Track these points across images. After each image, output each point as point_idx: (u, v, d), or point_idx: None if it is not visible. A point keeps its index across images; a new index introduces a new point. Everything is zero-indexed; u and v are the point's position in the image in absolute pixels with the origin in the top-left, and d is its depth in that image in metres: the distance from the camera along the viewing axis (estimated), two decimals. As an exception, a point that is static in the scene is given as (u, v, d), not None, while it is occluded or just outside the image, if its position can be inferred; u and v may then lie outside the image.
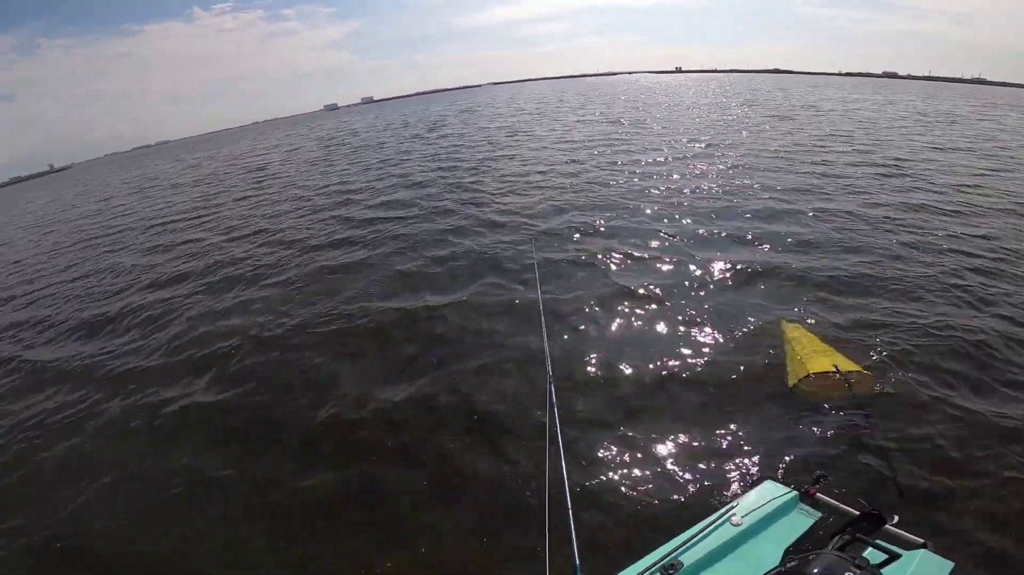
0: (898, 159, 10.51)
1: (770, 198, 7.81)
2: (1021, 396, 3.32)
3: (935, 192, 7.95)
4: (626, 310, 4.65)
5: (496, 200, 8.50)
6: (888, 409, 3.23)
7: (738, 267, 5.32)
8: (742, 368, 3.72)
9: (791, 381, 3.46)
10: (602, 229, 6.70)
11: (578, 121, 20.96)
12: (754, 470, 2.85)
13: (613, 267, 5.56)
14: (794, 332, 3.94)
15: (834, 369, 3.31)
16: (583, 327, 4.41)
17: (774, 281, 5.01)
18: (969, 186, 8.24)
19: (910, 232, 6.16)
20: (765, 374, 3.64)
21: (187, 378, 4.50)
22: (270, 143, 37.23)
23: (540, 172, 10.45)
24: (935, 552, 1.61)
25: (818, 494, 1.87)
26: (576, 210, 7.61)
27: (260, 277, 6.71)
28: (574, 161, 11.33)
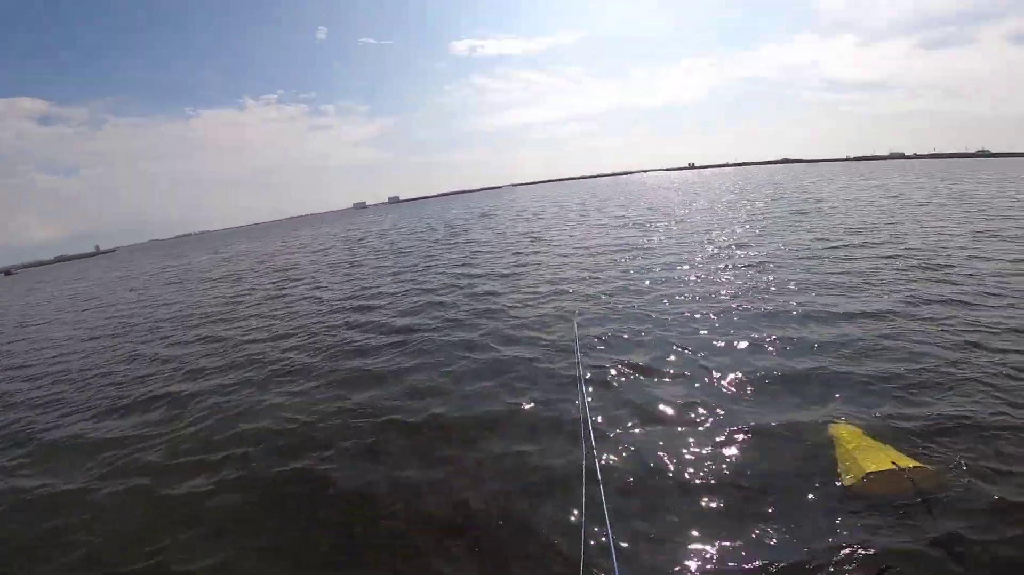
0: (929, 250, 10.64)
1: (801, 299, 7.79)
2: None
3: (975, 283, 7.91)
4: (664, 421, 4.59)
5: (518, 314, 8.49)
6: (957, 506, 3.13)
7: (774, 372, 5.26)
8: (792, 473, 3.65)
9: (847, 482, 3.38)
10: (632, 341, 6.65)
11: (597, 225, 21.80)
12: (819, 570, 2.79)
13: (644, 379, 5.48)
14: (844, 433, 3.88)
15: (893, 466, 3.26)
16: (625, 441, 4.30)
17: (815, 385, 4.95)
18: (1010, 274, 8.25)
19: (953, 327, 6.09)
20: (817, 477, 3.55)
21: (193, 477, 4.64)
22: (300, 241, 39.38)
23: (564, 282, 10.60)
24: None
25: None
26: (603, 322, 7.55)
27: (273, 382, 6.85)
28: (596, 270, 11.46)
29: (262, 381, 6.94)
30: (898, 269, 9.21)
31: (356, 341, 8.18)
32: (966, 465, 3.48)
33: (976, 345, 5.47)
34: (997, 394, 4.43)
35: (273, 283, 16.61)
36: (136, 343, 10.64)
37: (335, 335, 8.72)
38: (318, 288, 14.10)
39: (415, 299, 10.67)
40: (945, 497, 3.20)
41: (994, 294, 7.19)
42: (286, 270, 20.19)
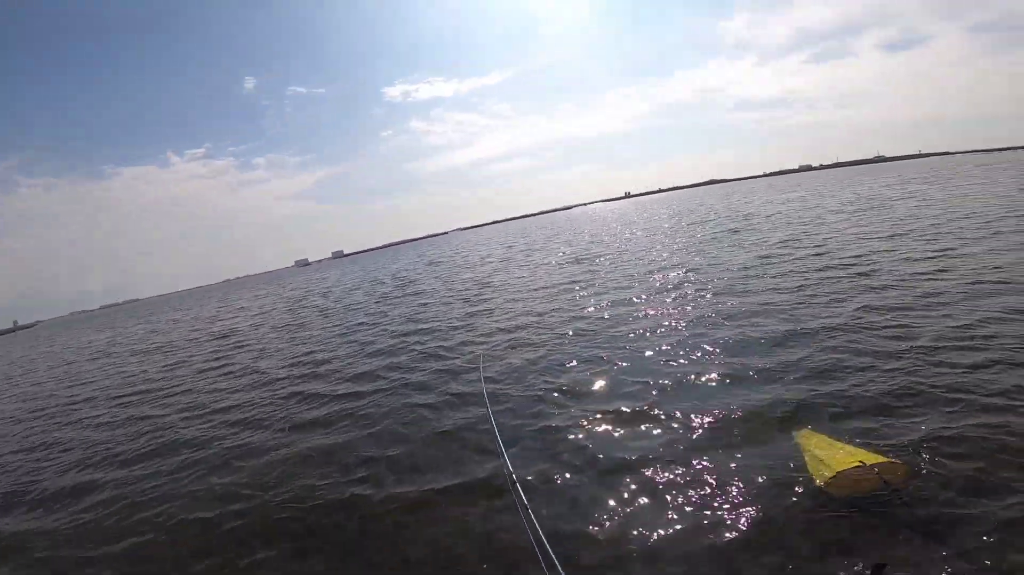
0: (854, 255, 11.79)
1: (749, 317, 8.15)
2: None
3: (904, 284, 8.72)
4: (635, 456, 4.58)
5: (471, 366, 8.31)
6: (924, 490, 3.39)
7: (734, 391, 5.53)
8: (767, 484, 3.78)
9: (819, 483, 3.56)
10: (587, 382, 6.61)
11: (543, 264, 22.21)
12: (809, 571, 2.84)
13: (606, 419, 5.38)
14: (809, 439, 4.08)
15: (860, 463, 3.45)
16: (578, 493, 4.16)
17: (774, 398, 5.18)
18: (931, 272, 9.18)
19: (891, 329, 6.65)
20: (791, 485, 3.71)
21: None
22: (238, 305, 37.54)
23: (516, 327, 10.53)
24: None
25: None
26: (554, 370, 7.44)
27: (207, 464, 6.31)
28: (547, 312, 11.48)
29: (190, 464, 6.39)
30: (830, 277, 9.99)
31: (301, 413, 7.70)
32: (925, 455, 3.75)
33: (913, 344, 5.92)
34: (941, 389, 4.79)
35: (211, 352, 15.59)
36: (52, 428, 9.65)
37: (279, 408, 8.18)
38: (261, 356, 13.35)
39: (366, 361, 10.24)
40: (912, 487, 3.43)
41: (927, 294, 7.85)
42: (224, 337, 19.07)
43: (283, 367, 11.16)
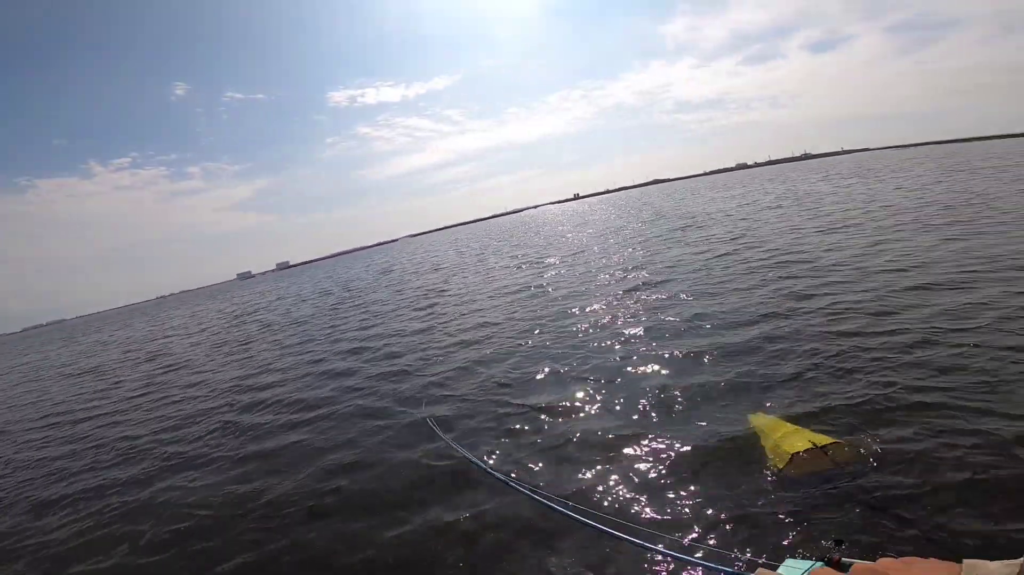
0: (790, 248, 12.59)
1: (698, 311, 8.48)
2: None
3: (839, 272, 9.31)
4: (596, 449, 4.73)
5: (428, 379, 7.98)
6: (870, 467, 3.59)
7: (688, 382, 5.68)
8: (721, 463, 4.01)
9: (776, 466, 3.73)
10: (544, 380, 6.68)
11: (498, 267, 22.26)
12: (770, 554, 2.85)
13: (565, 416, 5.49)
14: (762, 422, 4.29)
15: (811, 445, 3.65)
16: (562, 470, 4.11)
17: (727, 387, 5.37)
18: (863, 258, 9.98)
19: (828, 314, 7.11)
20: (748, 466, 3.89)
21: None
22: (177, 321, 35.34)
23: (470, 335, 10.31)
24: None
25: (843, 559, 1.88)
26: (515, 367, 7.43)
27: (154, 476, 6.08)
28: (501, 317, 11.39)
29: (138, 479, 5.99)
30: (769, 267, 10.61)
31: (250, 430, 7.25)
32: (870, 435, 3.95)
33: (850, 331, 6.26)
34: (880, 371, 5.06)
35: (145, 375, 14.49)
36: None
37: (222, 426, 7.68)
38: (200, 373, 12.52)
39: (317, 374, 9.78)
40: (860, 466, 3.61)
41: (858, 282, 8.37)
42: (158, 356, 17.82)
43: (229, 384, 10.50)
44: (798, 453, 3.62)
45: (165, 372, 14.22)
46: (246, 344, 16.20)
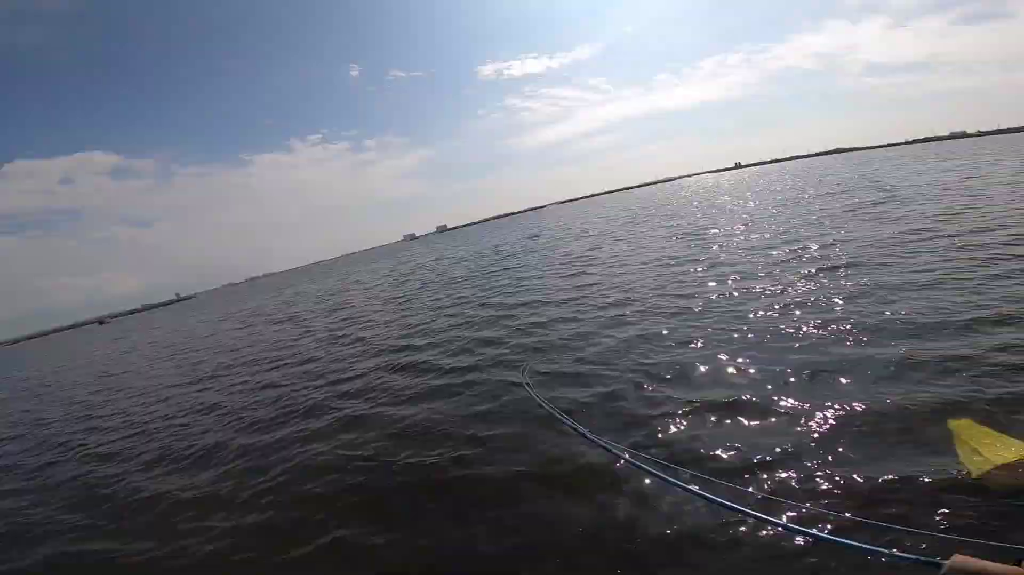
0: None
1: (890, 300, 7.01)
2: None
3: None
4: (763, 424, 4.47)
5: (575, 345, 7.95)
6: None
7: (876, 379, 4.93)
8: (914, 468, 3.52)
9: (973, 475, 3.29)
10: (699, 369, 5.98)
11: (651, 237, 21.04)
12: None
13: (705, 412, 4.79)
14: (963, 428, 3.84)
15: (1020, 457, 3.24)
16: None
17: (928, 388, 4.56)
18: None
19: None
20: (944, 476, 3.38)
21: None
22: (355, 278, 40.57)
23: (622, 304, 9.92)
24: None
25: None
26: (652, 348, 6.92)
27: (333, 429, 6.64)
28: (656, 286, 10.78)
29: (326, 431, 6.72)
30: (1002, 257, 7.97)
31: (406, 386, 7.87)
32: None
33: None
34: None
35: (330, 325, 16.87)
36: (207, 392, 10.91)
37: (388, 381, 8.46)
38: (368, 327, 14.10)
39: (469, 335, 10.29)
40: None
41: None
42: (340, 309, 20.61)
43: (392, 340, 11.64)
44: (1002, 464, 3.21)
45: (344, 324, 16.36)
46: (407, 302, 17.86)
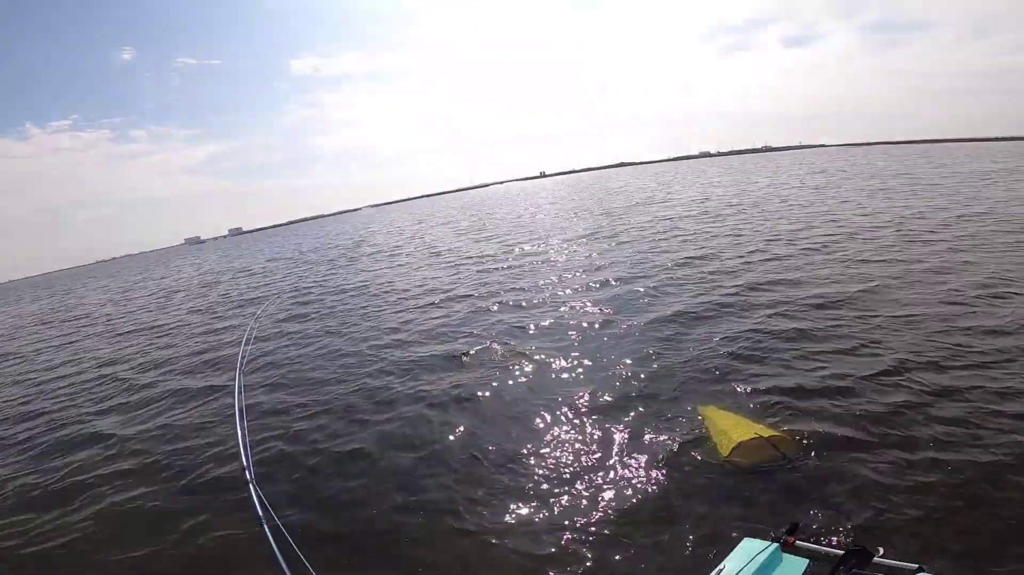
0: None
1: (641, 298, 8.36)
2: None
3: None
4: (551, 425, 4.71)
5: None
6: (815, 459, 3.66)
7: (640, 371, 5.49)
8: (674, 452, 3.96)
9: (723, 454, 3.74)
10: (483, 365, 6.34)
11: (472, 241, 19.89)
12: (724, 535, 2.95)
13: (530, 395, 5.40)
14: (710, 412, 4.33)
15: (756, 436, 3.69)
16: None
17: (675, 375, 5.31)
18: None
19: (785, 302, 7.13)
20: (696, 454, 3.90)
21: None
22: (111, 288, 31.14)
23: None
24: (932, 572, 1.59)
25: (797, 542, 1.88)
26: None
27: None
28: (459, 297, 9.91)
29: None
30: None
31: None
32: (812, 428, 3.99)
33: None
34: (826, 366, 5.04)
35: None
36: None
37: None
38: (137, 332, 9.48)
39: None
40: (803, 457, 3.69)
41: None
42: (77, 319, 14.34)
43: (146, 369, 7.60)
44: (745, 442, 3.65)
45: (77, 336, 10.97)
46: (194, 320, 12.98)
